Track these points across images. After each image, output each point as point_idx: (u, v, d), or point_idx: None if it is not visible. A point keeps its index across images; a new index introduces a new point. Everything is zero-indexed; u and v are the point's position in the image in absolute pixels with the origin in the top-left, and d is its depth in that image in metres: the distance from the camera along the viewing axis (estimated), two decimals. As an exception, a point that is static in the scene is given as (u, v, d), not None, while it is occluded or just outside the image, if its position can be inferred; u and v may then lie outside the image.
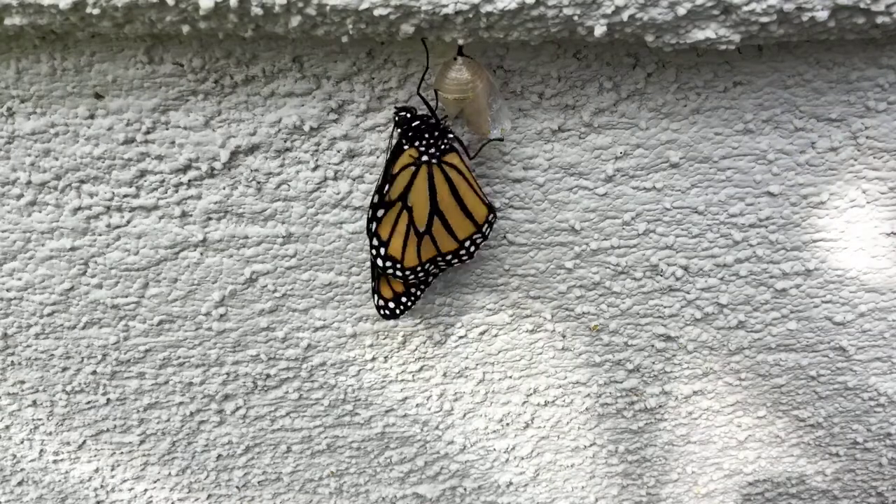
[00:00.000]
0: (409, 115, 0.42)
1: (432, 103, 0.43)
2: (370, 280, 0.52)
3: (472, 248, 0.47)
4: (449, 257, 0.47)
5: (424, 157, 0.42)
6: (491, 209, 0.45)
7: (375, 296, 0.50)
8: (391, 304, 0.50)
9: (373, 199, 0.44)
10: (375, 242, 0.45)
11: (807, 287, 0.54)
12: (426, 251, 0.46)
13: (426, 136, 0.42)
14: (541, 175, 0.48)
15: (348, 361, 0.57)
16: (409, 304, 0.50)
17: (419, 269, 0.47)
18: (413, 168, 0.43)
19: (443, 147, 0.42)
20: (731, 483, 0.68)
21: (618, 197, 0.49)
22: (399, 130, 0.42)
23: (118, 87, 0.42)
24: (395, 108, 0.43)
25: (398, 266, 0.46)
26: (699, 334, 0.57)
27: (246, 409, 0.60)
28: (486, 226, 0.46)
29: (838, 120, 0.46)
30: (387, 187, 0.43)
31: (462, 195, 0.44)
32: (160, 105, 0.43)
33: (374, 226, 0.45)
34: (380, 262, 0.46)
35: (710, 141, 0.46)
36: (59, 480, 0.64)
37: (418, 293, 0.50)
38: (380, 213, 0.44)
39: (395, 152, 0.43)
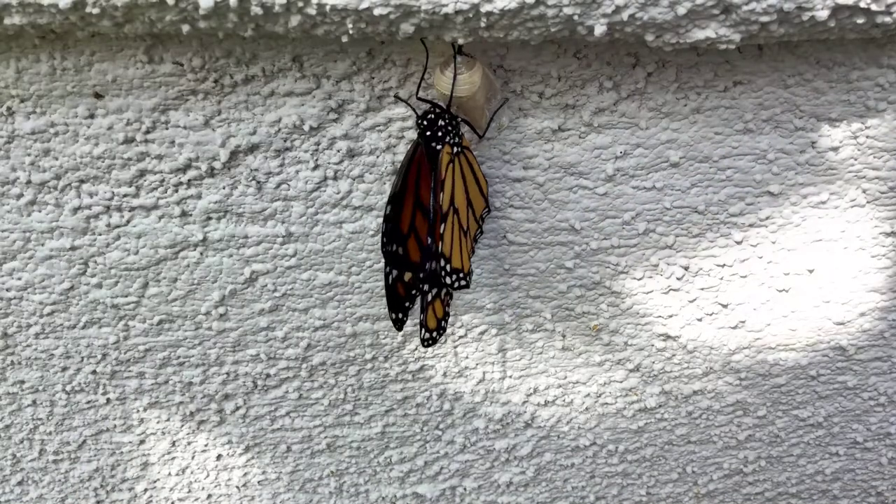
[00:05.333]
0: (433, 116, 0.41)
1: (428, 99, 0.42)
2: (391, 319, 0.47)
3: (482, 224, 0.47)
4: (474, 243, 0.46)
5: (456, 149, 0.42)
6: (486, 178, 0.45)
7: (422, 329, 0.46)
8: (435, 334, 0.47)
9: (384, 229, 0.42)
10: (442, 262, 0.42)
11: (807, 287, 0.54)
12: (469, 246, 0.44)
13: (448, 128, 0.41)
14: (541, 175, 0.48)
15: (348, 361, 0.57)
16: (447, 322, 0.47)
17: (472, 268, 0.44)
18: (452, 166, 0.41)
19: (460, 133, 0.42)
20: (731, 483, 0.68)
21: (618, 196, 0.49)
22: (428, 134, 0.41)
23: (118, 87, 0.42)
24: (417, 116, 0.42)
25: (461, 275, 0.43)
26: (699, 334, 0.57)
27: (246, 409, 0.60)
28: (489, 197, 0.46)
29: (838, 120, 0.46)
30: (441, 197, 0.41)
31: (476, 174, 0.43)
32: (160, 105, 0.43)
33: (439, 246, 0.42)
34: (448, 280, 0.43)
35: (710, 141, 0.46)
36: (59, 480, 0.64)
37: (449, 308, 0.48)
38: (442, 228, 0.41)
39: (431, 160, 0.41)
